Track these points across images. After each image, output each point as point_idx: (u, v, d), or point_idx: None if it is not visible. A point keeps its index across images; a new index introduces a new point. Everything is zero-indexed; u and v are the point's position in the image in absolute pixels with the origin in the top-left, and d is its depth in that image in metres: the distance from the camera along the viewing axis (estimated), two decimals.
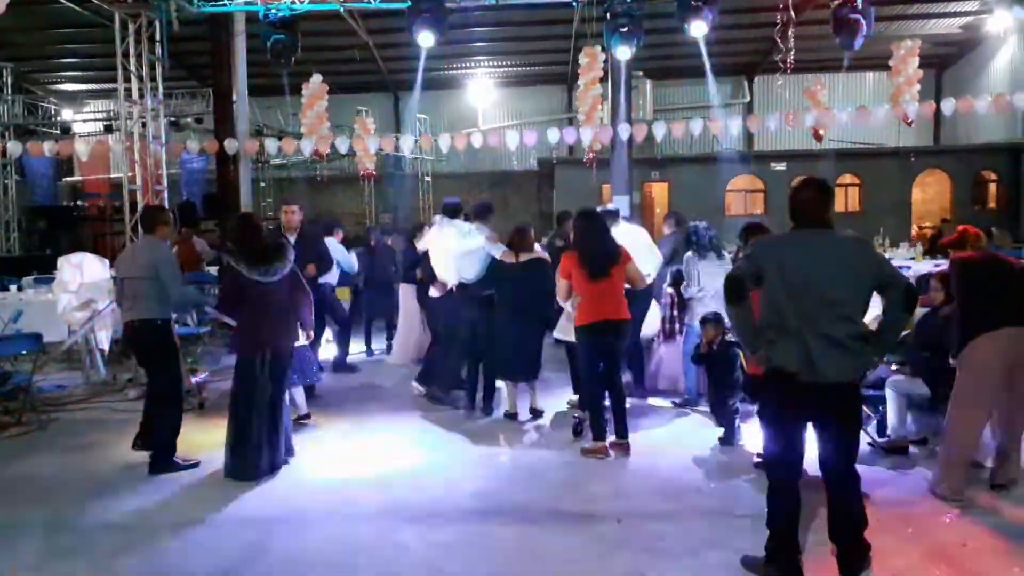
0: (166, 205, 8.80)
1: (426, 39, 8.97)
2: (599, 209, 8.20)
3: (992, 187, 21.17)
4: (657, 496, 4.75)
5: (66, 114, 22.53)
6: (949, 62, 23.39)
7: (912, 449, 5.39)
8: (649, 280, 6.97)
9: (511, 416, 6.53)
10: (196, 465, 5.44)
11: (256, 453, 5.21)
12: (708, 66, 14.44)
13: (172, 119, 16.68)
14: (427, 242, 7.38)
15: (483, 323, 6.72)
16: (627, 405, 5.70)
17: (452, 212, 7.10)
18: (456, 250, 6.76)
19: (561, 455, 5.51)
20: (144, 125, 8.62)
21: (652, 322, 7.21)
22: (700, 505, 4.59)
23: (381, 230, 11.04)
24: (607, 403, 5.64)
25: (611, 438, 5.55)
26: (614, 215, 7.59)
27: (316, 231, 7.91)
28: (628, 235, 7.30)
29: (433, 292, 7.12)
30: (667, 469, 5.18)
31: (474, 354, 6.89)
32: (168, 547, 4.18)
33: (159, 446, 5.42)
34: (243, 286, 5.22)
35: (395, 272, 9.48)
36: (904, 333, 5.38)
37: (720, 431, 5.70)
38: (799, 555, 3.63)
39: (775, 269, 3.54)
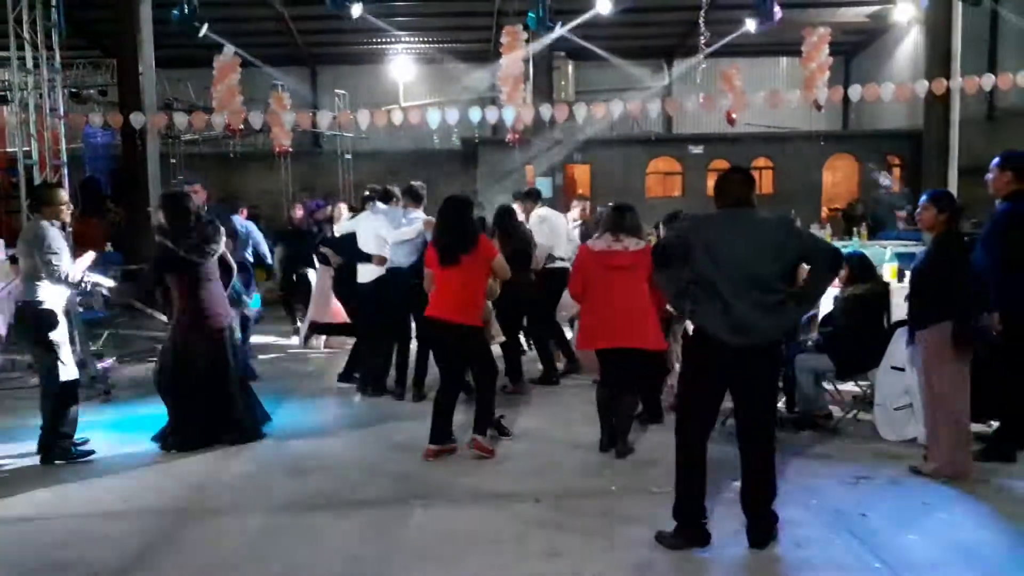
0: (65, 182, 8.34)
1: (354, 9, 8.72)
2: (524, 191, 8.20)
3: (896, 171, 22.12)
4: (575, 474, 4.82)
5: None
6: (857, 49, 24.23)
7: (820, 423, 5.61)
8: (568, 264, 7.04)
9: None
10: (91, 453, 5.24)
11: (181, 428, 5.32)
12: (628, 49, 14.51)
13: (73, 90, 15.78)
14: (353, 225, 7.18)
15: (416, 307, 6.60)
16: (487, 401, 5.28)
17: (384, 198, 6.94)
18: (391, 239, 6.62)
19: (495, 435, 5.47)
20: (41, 96, 8.12)
21: (568, 304, 7.22)
22: (616, 482, 4.66)
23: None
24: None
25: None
26: (533, 196, 7.62)
27: (221, 209, 7.64)
28: (546, 221, 7.38)
29: (366, 273, 6.80)
30: (585, 448, 5.24)
31: (405, 339, 6.78)
32: (73, 539, 4.00)
33: (51, 436, 5.15)
34: (174, 266, 5.27)
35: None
36: (812, 313, 5.61)
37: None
38: (705, 519, 3.77)
39: (702, 246, 3.74)
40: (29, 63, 8.02)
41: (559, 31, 12.61)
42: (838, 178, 22.69)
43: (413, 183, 7.09)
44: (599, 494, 4.49)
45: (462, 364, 5.33)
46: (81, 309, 8.34)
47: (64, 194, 5.49)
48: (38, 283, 5.10)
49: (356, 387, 6.95)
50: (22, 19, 7.85)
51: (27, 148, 8.14)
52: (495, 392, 5.42)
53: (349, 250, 6.94)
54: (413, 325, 6.71)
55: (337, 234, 7.69)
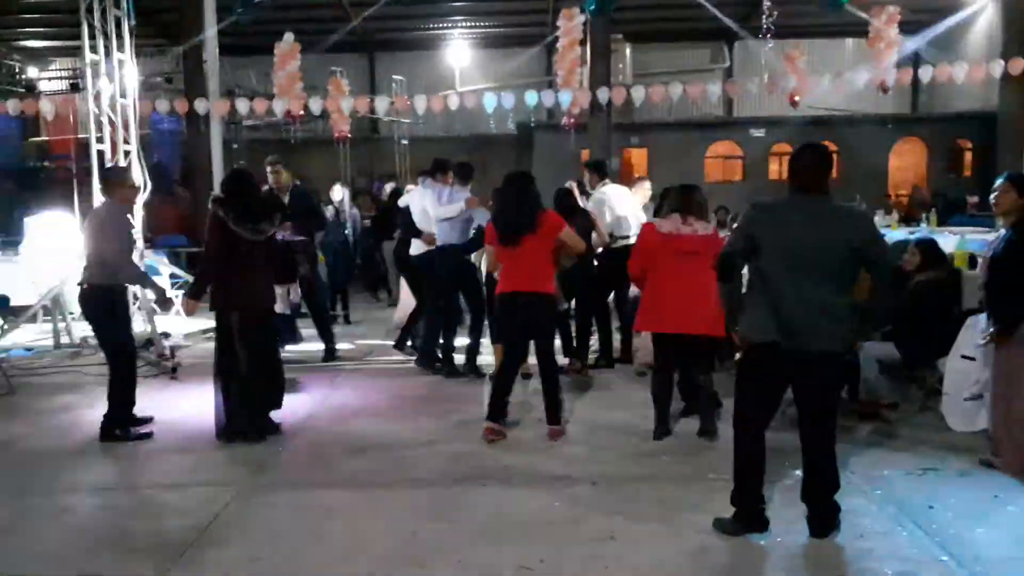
0: (135, 167, 8.59)
1: None
2: (593, 160, 8.10)
3: (967, 155, 21.31)
4: (632, 459, 4.79)
5: (31, 72, 21.90)
6: (928, 28, 23.37)
7: (884, 413, 5.46)
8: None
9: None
10: (149, 437, 5.31)
11: (230, 413, 5.19)
12: (687, 30, 14.27)
13: (141, 78, 16.25)
14: (408, 199, 7.36)
15: (468, 285, 6.71)
16: (559, 387, 5.32)
17: (434, 170, 7.03)
18: (435, 215, 6.73)
19: (541, 417, 5.47)
20: (111, 84, 8.38)
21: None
22: (674, 469, 4.63)
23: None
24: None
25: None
26: (601, 169, 7.45)
27: (306, 188, 7.79)
28: (609, 198, 7.22)
29: (416, 247, 7.05)
30: (642, 434, 5.21)
31: (456, 316, 6.91)
32: (144, 509, 4.15)
33: (112, 412, 5.28)
34: (228, 240, 5.08)
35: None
36: None
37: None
38: (763, 506, 3.71)
39: (770, 235, 3.57)
40: (100, 52, 8.27)
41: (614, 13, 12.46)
42: (906, 163, 21.98)
43: (463, 161, 7.13)
44: (655, 479, 4.46)
45: (531, 335, 5.21)
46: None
47: (134, 177, 5.62)
48: (105, 263, 5.20)
49: (414, 360, 7.17)
50: (93, 9, 8.09)
51: (99, 135, 8.41)
52: (559, 375, 5.41)
53: (405, 223, 7.10)
54: (463, 301, 6.85)
55: (400, 206, 7.84)
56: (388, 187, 11.24)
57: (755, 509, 3.70)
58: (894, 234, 10.91)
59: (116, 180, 5.53)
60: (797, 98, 13.41)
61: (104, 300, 5.27)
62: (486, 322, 6.71)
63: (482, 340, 6.77)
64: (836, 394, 3.80)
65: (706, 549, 3.59)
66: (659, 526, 3.84)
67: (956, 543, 3.58)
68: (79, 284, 5.40)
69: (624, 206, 7.17)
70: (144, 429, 5.40)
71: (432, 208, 6.78)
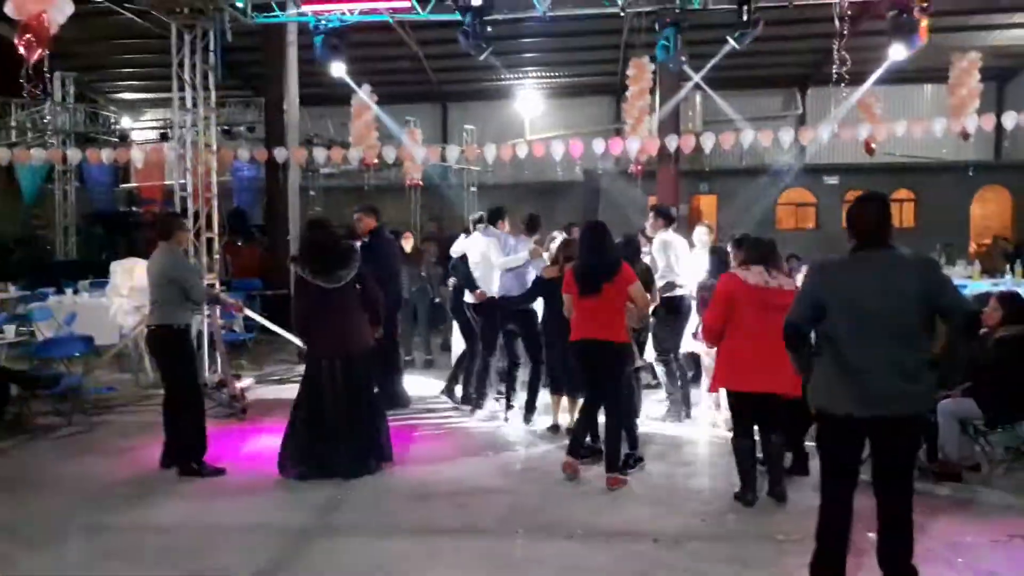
0: (215, 212, 8.96)
1: (477, 51, 8.93)
2: (659, 206, 8.02)
3: None
4: (696, 516, 4.65)
5: (125, 122, 23.17)
6: (1012, 74, 22.65)
7: (965, 475, 5.19)
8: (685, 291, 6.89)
9: (554, 429, 6.48)
10: (222, 472, 5.47)
11: (306, 457, 5.31)
12: (759, 77, 14.19)
13: (225, 128, 17.03)
14: (464, 247, 7.40)
15: (525, 332, 6.72)
16: (620, 436, 5.26)
17: (492, 217, 7.11)
18: (498, 265, 6.79)
19: (602, 470, 5.39)
20: (197, 133, 8.81)
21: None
22: (741, 528, 4.48)
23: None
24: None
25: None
26: (666, 216, 7.35)
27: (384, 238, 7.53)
28: (671, 246, 7.12)
29: (469, 299, 7.11)
30: (708, 490, 5.07)
31: (515, 364, 6.91)
32: (208, 549, 4.23)
33: (186, 451, 5.47)
34: (307, 291, 5.35)
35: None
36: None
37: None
38: (843, 573, 3.51)
39: (835, 299, 3.43)
40: (189, 103, 8.71)
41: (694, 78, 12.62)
42: (989, 211, 21.20)
43: (532, 213, 7.24)
44: (721, 538, 4.32)
45: (606, 382, 5.24)
46: (224, 331, 8.90)
47: (187, 223, 5.94)
48: (171, 307, 5.47)
49: (462, 402, 7.30)
50: (184, 63, 8.55)
51: (183, 181, 8.81)
52: (622, 423, 5.34)
53: (463, 271, 7.18)
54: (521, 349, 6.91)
55: (454, 254, 7.85)
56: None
57: (833, 573, 3.51)
58: (976, 286, 10.48)
59: (175, 225, 5.81)
60: (873, 144, 13.13)
61: (169, 340, 5.50)
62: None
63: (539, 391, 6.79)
64: (915, 455, 3.61)
65: None
66: None
67: None
68: (146, 327, 5.67)
69: (686, 254, 7.11)
70: (217, 464, 5.56)
71: (496, 257, 6.83)
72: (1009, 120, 11.93)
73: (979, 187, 20.62)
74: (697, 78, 12.90)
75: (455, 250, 7.80)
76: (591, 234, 5.35)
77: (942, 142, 16.95)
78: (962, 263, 14.84)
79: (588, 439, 5.60)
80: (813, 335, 3.56)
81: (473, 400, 7.15)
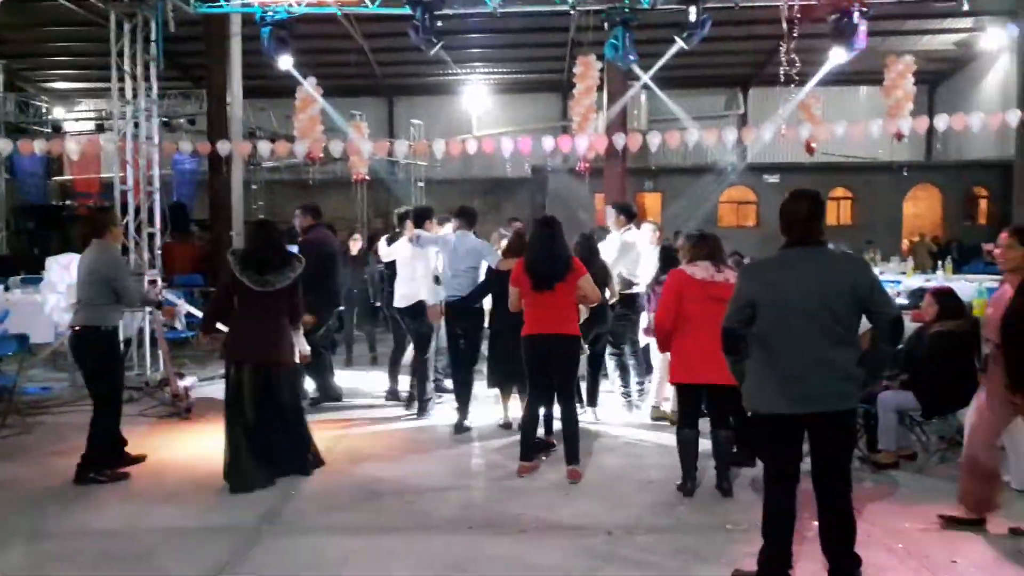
0: (156, 207, 8.73)
1: (428, 46, 8.84)
2: (619, 203, 8.00)
3: (983, 203, 21.30)
4: (647, 509, 4.72)
5: (57, 112, 22.40)
6: (942, 78, 23.55)
7: (902, 464, 5.38)
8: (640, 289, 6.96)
9: (506, 426, 6.49)
10: (126, 477, 5.30)
11: (243, 465, 5.13)
12: (703, 78, 14.48)
13: (165, 120, 16.60)
14: (393, 252, 7.28)
15: (472, 334, 6.67)
16: (578, 428, 5.32)
17: (420, 218, 6.97)
18: (449, 269, 6.62)
19: (556, 466, 5.42)
20: (137, 125, 8.55)
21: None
22: (691, 519, 4.56)
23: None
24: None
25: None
26: (627, 212, 7.34)
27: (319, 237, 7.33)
28: (633, 247, 7.15)
29: (400, 302, 7.02)
30: (659, 481, 5.15)
31: (463, 363, 6.79)
32: (153, 553, 4.12)
33: (89, 454, 5.24)
34: (234, 289, 5.17)
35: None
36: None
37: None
38: (790, 567, 3.59)
39: (765, 298, 3.47)
40: (128, 94, 8.45)
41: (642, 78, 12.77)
42: (921, 209, 21.99)
43: (465, 205, 7.02)
44: (672, 530, 4.39)
45: (555, 377, 5.26)
46: (166, 329, 8.68)
47: (119, 218, 5.74)
48: (102, 306, 5.25)
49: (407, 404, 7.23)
50: (124, 52, 8.30)
51: (122, 174, 8.56)
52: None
53: (394, 275, 7.17)
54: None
55: (385, 260, 7.72)
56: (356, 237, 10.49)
57: (781, 569, 3.58)
58: (909, 282, 10.86)
59: (108, 220, 5.57)
60: (814, 145, 13.47)
61: (95, 343, 5.28)
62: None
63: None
64: (850, 449, 3.69)
65: None
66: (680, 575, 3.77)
67: None
68: (71, 327, 5.41)
69: (646, 253, 7.12)
70: (123, 469, 5.37)
71: (451, 260, 6.56)
72: (940, 122, 12.38)
73: (911, 186, 21.37)
74: (646, 78, 13.04)
75: (387, 254, 7.57)
76: (544, 230, 5.32)
77: (878, 143, 17.54)
78: (895, 260, 15.37)
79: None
80: (753, 342, 3.59)
81: (421, 404, 7.00)
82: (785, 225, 3.53)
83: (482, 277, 6.56)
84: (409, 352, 7.49)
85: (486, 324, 6.70)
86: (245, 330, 5.22)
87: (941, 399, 5.30)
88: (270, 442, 5.21)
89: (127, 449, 5.58)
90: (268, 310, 5.19)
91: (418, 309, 6.87)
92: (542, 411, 5.56)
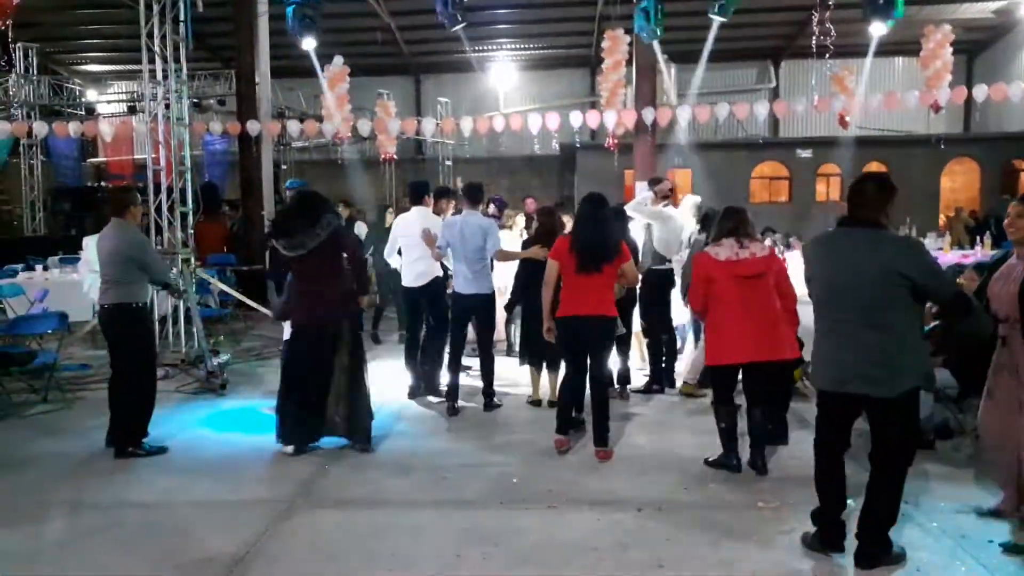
0: (188, 187, 8.83)
1: (452, 23, 8.77)
2: (655, 177, 7.84)
3: (1023, 176, 20.77)
4: (678, 486, 4.71)
5: (91, 95, 22.66)
6: (981, 48, 22.91)
7: (938, 444, 5.31)
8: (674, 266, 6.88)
9: (535, 403, 6.51)
10: (164, 451, 5.41)
11: (291, 422, 5.28)
12: (733, 50, 14.23)
13: (195, 100, 16.73)
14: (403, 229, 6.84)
15: (485, 322, 6.55)
16: (609, 409, 5.29)
17: (417, 194, 6.84)
18: (462, 260, 6.32)
19: (586, 443, 5.43)
20: (168, 106, 8.62)
21: (682, 310, 7.02)
22: (722, 496, 4.55)
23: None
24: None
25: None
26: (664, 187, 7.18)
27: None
28: (671, 219, 7.01)
29: (409, 282, 6.82)
30: (691, 459, 5.13)
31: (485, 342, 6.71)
32: (191, 525, 4.21)
33: (129, 430, 5.37)
34: (278, 258, 5.30)
35: None
36: (934, 325, 5.28)
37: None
38: (839, 528, 3.66)
39: (818, 270, 3.59)
40: (159, 75, 8.52)
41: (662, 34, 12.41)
42: (958, 184, 21.51)
43: (471, 182, 6.77)
44: (702, 507, 4.38)
45: (591, 357, 5.22)
46: (200, 307, 8.81)
47: (138, 197, 5.80)
48: (130, 284, 5.37)
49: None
50: (153, 34, 8.35)
51: (155, 155, 8.65)
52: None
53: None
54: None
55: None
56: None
57: (831, 530, 3.65)
58: (947, 258, 10.67)
59: (129, 200, 5.63)
60: (848, 118, 13.22)
61: (125, 319, 5.39)
62: None
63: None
64: (898, 434, 3.52)
65: None
66: (708, 552, 3.77)
67: None
68: (101, 305, 5.50)
69: (677, 230, 7.00)
70: (165, 444, 5.50)
71: (459, 246, 6.27)
72: (979, 93, 12.07)
73: (949, 160, 20.88)
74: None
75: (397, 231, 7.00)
76: (592, 209, 5.25)
77: (914, 116, 17.16)
78: (932, 235, 15.09)
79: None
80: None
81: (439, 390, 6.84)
82: (848, 204, 3.60)
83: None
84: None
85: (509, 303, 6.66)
86: (298, 296, 5.34)
87: (981, 377, 5.19)
88: (323, 403, 5.31)
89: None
90: (312, 272, 5.23)
91: (437, 288, 6.77)
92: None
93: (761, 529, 3.97)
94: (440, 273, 6.81)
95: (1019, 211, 3.79)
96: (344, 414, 5.37)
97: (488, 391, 6.46)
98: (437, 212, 7.02)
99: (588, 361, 5.24)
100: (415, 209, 6.83)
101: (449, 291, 6.86)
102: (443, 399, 6.53)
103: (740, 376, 4.95)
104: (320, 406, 5.34)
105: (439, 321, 6.78)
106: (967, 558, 3.66)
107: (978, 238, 12.81)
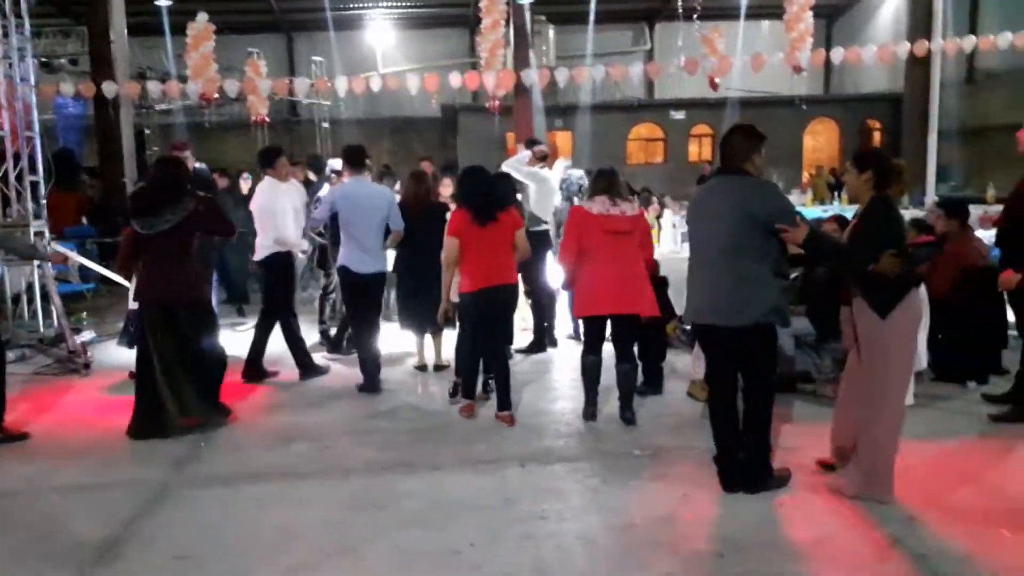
0: (38, 154, 8.18)
1: None
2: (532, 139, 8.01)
3: (877, 136, 22.19)
4: (559, 439, 4.85)
5: None
6: (839, 12, 24.17)
7: (799, 386, 5.68)
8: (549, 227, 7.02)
9: (420, 368, 6.49)
10: (24, 437, 5.07)
11: (150, 411, 5.01)
12: (609, 12, 14.44)
13: (43, 60, 15.45)
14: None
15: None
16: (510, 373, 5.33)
17: (265, 160, 6.29)
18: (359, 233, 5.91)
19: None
20: (10, 65, 7.92)
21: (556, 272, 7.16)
22: (598, 446, 4.72)
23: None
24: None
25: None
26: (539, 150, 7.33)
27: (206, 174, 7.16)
28: (546, 181, 7.19)
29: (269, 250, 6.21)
30: (570, 412, 5.28)
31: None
32: (57, 512, 3.99)
33: None
34: (133, 236, 5.04)
35: None
36: (794, 276, 5.61)
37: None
38: (733, 450, 3.95)
39: (691, 217, 3.98)
40: None
41: None
42: (820, 142, 22.76)
43: (351, 144, 6.33)
44: (582, 458, 4.52)
45: (497, 325, 5.28)
46: (59, 282, 8.25)
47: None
48: None
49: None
50: None
51: None
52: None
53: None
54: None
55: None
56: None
57: (729, 467, 3.92)
58: (808, 212, 11.31)
59: None
60: (717, 80, 13.69)
61: None
62: None
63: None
64: (756, 363, 3.85)
65: (631, 525, 3.66)
66: (586, 502, 3.91)
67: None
68: None
69: (553, 192, 7.22)
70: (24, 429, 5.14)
71: (358, 219, 5.78)
72: (836, 56, 12.76)
73: (810, 120, 22.04)
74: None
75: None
76: (476, 173, 5.34)
77: (779, 77, 17.96)
78: (796, 192, 15.94)
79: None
80: None
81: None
82: (720, 156, 3.92)
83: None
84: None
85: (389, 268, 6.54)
86: (146, 274, 5.12)
87: (837, 323, 5.56)
88: (179, 386, 5.06)
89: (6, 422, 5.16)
90: (163, 250, 4.99)
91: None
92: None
93: (637, 475, 4.16)
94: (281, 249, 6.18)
95: (847, 167, 4.01)
96: (194, 398, 5.12)
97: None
98: (281, 179, 6.31)
99: (494, 331, 5.27)
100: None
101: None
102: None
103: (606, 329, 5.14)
104: (172, 384, 5.05)
105: (270, 297, 6.32)
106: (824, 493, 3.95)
107: (836, 194, 13.65)
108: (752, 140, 3.80)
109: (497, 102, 13.54)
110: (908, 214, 9.75)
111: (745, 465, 3.90)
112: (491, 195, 5.20)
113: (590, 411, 5.15)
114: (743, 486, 3.88)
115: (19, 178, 7.99)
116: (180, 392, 5.08)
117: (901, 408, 3.81)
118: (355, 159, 5.99)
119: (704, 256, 3.84)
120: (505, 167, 6.84)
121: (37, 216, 8.06)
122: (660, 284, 5.89)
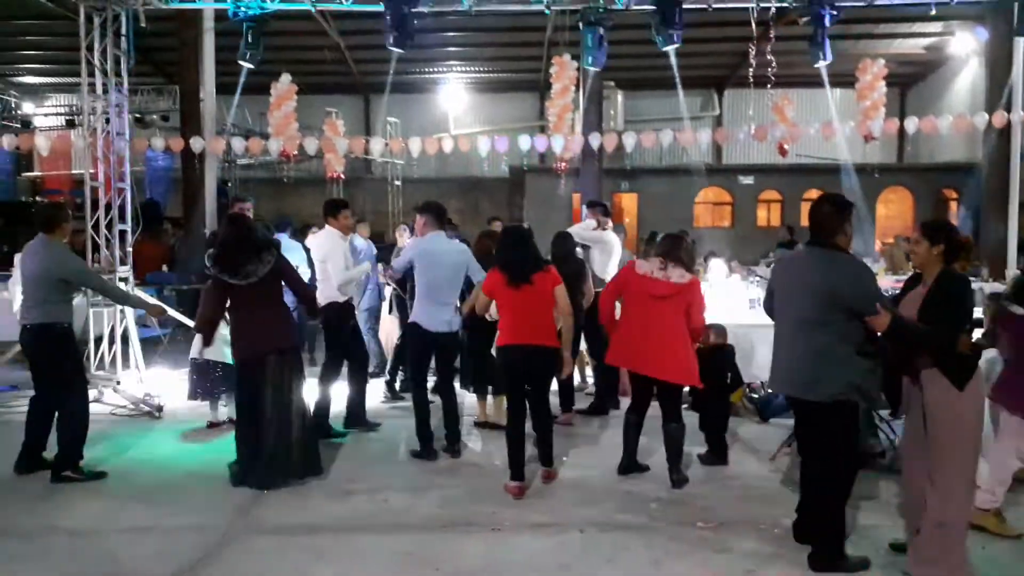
0: (128, 204, 8.61)
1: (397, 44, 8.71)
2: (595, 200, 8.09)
3: (953, 205, 21.62)
4: (621, 506, 4.75)
5: (27, 107, 22.01)
6: (914, 81, 23.86)
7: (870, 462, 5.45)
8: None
9: (480, 425, 6.48)
10: (103, 476, 5.23)
11: (248, 462, 5.07)
12: (679, 79, 14.58)
13: (137, 115, 16.39)
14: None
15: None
16: (552, 436, 5.23)
17: (328, 212, 6.33)
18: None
19: (530, 466, 5.38)
20: (108, 121, 8.42)
21: None
22: (663, 515, 4.59)
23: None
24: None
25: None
26: (603, 209, 7.43)
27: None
28: (609, 243, 7.26)
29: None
30: (633, 479, 5.18)
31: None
32: (122, 552, 4.08)
33: (63, 456, 5.18)
34: (221, 288, 5.08)
35: None
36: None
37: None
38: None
39: (774, 285, 4.01)
40: (99, 89, 8.33)
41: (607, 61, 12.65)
42: (892, 211, 22.28)
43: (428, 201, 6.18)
44: (643, 527, 4.42)
45: (532, 385, 5.13)
46: (139, 327, 8.58)
47: (69, 214, 5.53)
48: (54, 305, 5.18)
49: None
50: (94, 47, 8.17)
51: (92, 170, 8.42)
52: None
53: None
54: None
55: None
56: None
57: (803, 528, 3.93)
58: (882, 282, 11.02)
59: (61, 216, 5.42)
60: (786, 146, 13.59)
61: (48, 340, 5.18)
62: None
63: None
64: (821, 439, 3.77)
65: None
66: (650, 573, 3.80)
67: None
68: (24, 325, 5.26)
69: (616, 254, 7.26)
70: (98, 468, 5.31)
71: (434, 275, 5.73)
72: (911, 125, 12.55)
73: (883, 188, 21.63)
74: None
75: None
76: (515, 233, 5.33)
77: (851, 146, 17.73)
78: (868, 260, 15.57)
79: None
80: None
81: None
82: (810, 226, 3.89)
83: None
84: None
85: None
86: (246, 324, 5.10)
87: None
88: (283, 437, 5.07)
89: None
90: (260, 299, 5.04)
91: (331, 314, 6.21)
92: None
93: (699, 549, 4.03)
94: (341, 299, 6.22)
95: (916, 238, 3.91)
96: (299, 457, 5.17)
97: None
98: (341, 230, 6.35)
99: (530, 392, 5.12)
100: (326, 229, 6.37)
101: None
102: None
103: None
104: (283, 440, 5.08)
105: (330, 348, 6.31)
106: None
107: (909, 264, 13.27)
108: (842, 211, 3.77)
109: (564, 164, 13.69)
110: (988, 287, 9.42)
111: (816, 546, 3.76)
112: (525, 258, 5.05)
113: (623, 464, 5.25)
114: (812, 566, 3.72)
115: (109, 226, 8.41)
116: (288, 446, 5.10)
117: (974, 484, 3.67)
118: (440, 215, 5.93)
119: (785, 326, 3.85)
120: (572, 232, 6.95)
121: (123, 263, 8.44)
122: (716, 352, 5.81)
